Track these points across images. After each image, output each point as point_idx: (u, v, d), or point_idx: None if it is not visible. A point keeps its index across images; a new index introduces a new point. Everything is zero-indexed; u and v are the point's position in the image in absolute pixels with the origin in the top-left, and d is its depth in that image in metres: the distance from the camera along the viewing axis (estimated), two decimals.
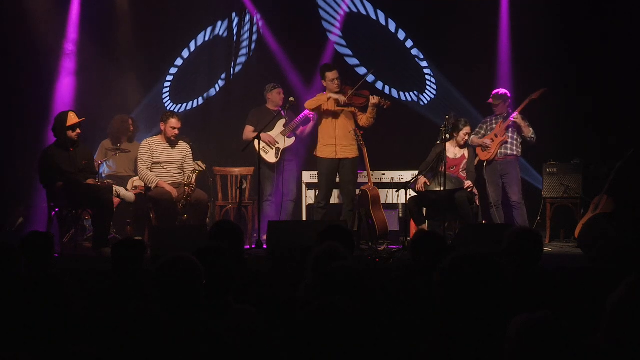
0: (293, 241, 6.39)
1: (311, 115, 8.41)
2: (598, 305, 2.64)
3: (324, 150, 7.99)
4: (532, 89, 8.45)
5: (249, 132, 8.55)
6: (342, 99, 7.82)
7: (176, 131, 7.73)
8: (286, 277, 5.53)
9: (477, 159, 8.36)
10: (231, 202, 8.54)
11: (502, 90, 8.40)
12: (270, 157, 8.43)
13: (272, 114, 8.47)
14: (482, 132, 8.43)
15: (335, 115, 7.94)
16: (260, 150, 8.09)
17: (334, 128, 7.94)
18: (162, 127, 7.77)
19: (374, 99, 7.85)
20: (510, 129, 8.26)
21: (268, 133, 8.33)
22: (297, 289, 3.93)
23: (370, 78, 9.70)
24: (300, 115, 8.45)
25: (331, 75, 7.95)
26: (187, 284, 2.92)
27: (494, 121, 8.39)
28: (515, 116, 8.19)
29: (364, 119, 7.98)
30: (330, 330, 2.32)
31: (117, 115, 8.93)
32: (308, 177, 8.69)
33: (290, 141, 8.56)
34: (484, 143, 8.29)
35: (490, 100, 8.33)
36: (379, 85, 9.72)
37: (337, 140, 7.92)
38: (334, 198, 8.36)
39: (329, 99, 7.87)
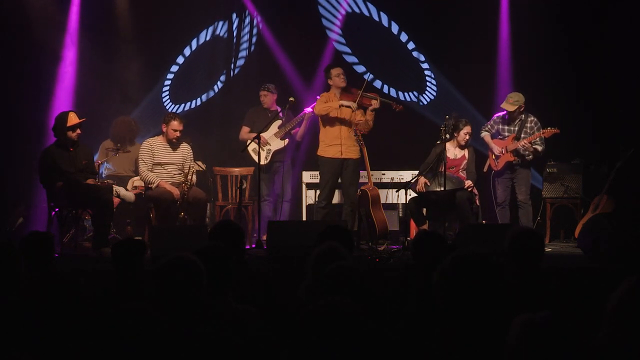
0: (293, 241, 6.40)
1: (306, 114, 8.36)
2: (598, 305, 2.65)
3: (329, 150, 7.92)
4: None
5: (244, 132, 8.55)
6: (354, 106, 7.75)
7: (178, 134, 7.72)
8: (286, 277, 5.54)
9: (488, 164, 8.33)
10: (231, 202, 8.53)
11: (515, 96, 8.11)
12: (260, 158, 8.37)
13: (269, 114, 8.45)
14: (493, 131, 8.28)
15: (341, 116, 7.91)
16: (252, 152, 8.07)
17: (339, 128, 7.89)
18: (164, 129, 7.76)
19: (376, 104, 7.80)
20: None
21: (261, 134, 8.31)
22: (297, 289, 3.93)
23: (369, 77, 9.70)
24: (297, 116, 8.43)
25: (335, 71, 7.95)
26: (187, 284, 2.91)
27: (506, 128, 8.20)
28: (525, 144, 8.01)
29: (362, 124, 7.87)
30: (331, 331, 2.32)
31: (119, 117, 8.92)
32: (308, 177, 8.68)
33: (283, 143, 8.49)
34: (494, 150, 8.19)
35: (506, 109, 8.08)
36: (378, 84, 9.71)
37: (343, 140, 7.87)
38: (335, 198, 8.32)
39: (340, 106, 7.80)
